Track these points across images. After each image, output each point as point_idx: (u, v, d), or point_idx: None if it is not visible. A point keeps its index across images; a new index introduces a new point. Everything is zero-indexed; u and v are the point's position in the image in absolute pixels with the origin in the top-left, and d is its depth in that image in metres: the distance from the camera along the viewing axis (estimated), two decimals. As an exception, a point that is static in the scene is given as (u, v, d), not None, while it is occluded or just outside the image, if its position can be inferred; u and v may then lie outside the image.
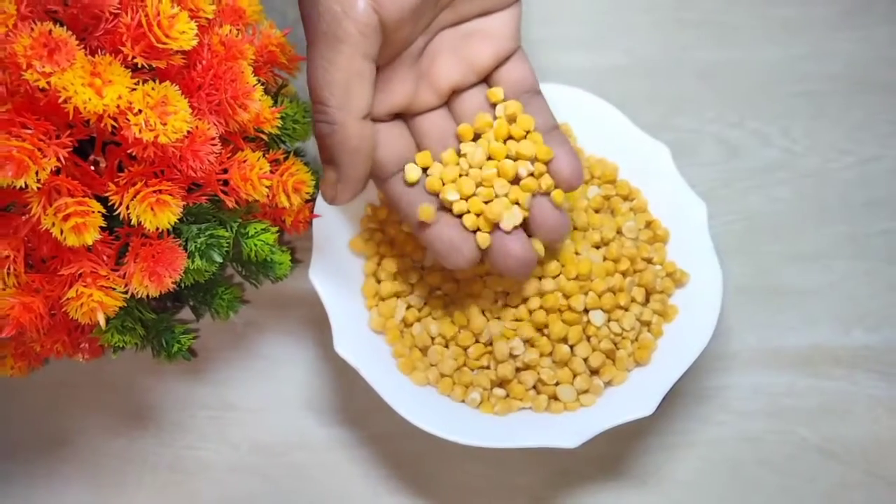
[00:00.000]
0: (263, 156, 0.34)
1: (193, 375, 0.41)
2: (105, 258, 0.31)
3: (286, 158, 0.35)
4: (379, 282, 0.40)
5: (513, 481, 0.40)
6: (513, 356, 0.38)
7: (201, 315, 0.40)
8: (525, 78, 0.36)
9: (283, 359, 0.42)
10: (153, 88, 0.28)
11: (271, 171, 0.33)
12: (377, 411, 0.37)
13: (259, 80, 0.36)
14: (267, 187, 0.32)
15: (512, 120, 0.35)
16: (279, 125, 0.34)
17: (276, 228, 0.35)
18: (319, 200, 0.39)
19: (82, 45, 0.29)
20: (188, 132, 0.29)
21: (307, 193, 0.34)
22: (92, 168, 0.31)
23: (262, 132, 0.34)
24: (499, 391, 0.38)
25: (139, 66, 0.29)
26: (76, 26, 0.29)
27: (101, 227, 0.30)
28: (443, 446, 0.35)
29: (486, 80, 0.36)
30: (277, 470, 0.40)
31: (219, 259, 0.32)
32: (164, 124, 0.28)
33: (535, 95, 0.36)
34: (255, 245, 0.34)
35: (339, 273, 0.39)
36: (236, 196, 0.32)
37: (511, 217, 0.34)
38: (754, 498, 0.40)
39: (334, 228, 0.40)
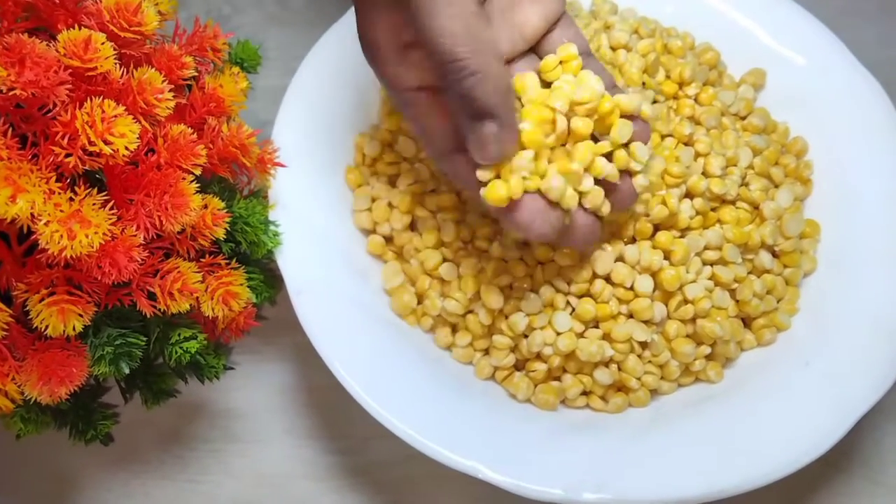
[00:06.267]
0: (201, 258, 0.32)
1: (193, 409, 0.41)
2: (14, 352, 0.30)
3: (229, 263, 0.33)
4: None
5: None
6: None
7: (128, 399, 0.38)
8: (576, 41, 0.34)
9: (283, 388, 0.41)
10: (70, 199, 0.27)
11: (204, 277, 0.32)
12: (379, 438, 0.36)
13: (215, 178, 0.35)
14: (193, 298, 0.31)
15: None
16: (227, 227, 0.33)
17: (205, 336, 0.33)
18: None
19: (15, 137, 0.28)
20: (113, 237, 0.28)
21: (241, 304, 0.33)
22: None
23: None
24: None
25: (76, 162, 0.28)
26: (16, 114, 0.28)
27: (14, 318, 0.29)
28: (447, 471, 0.33)
29: (534, 48, 0.34)
30: (281, 500, 0.39)
31: (127, 370, 0.30)
32: (72, 239, 0.26)
33: (588, 57, 0.34)
34: (178, 352, 0.32)
35: (324, 294, 0.37)
36: (160, 303, 0.31)
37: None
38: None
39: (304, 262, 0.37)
